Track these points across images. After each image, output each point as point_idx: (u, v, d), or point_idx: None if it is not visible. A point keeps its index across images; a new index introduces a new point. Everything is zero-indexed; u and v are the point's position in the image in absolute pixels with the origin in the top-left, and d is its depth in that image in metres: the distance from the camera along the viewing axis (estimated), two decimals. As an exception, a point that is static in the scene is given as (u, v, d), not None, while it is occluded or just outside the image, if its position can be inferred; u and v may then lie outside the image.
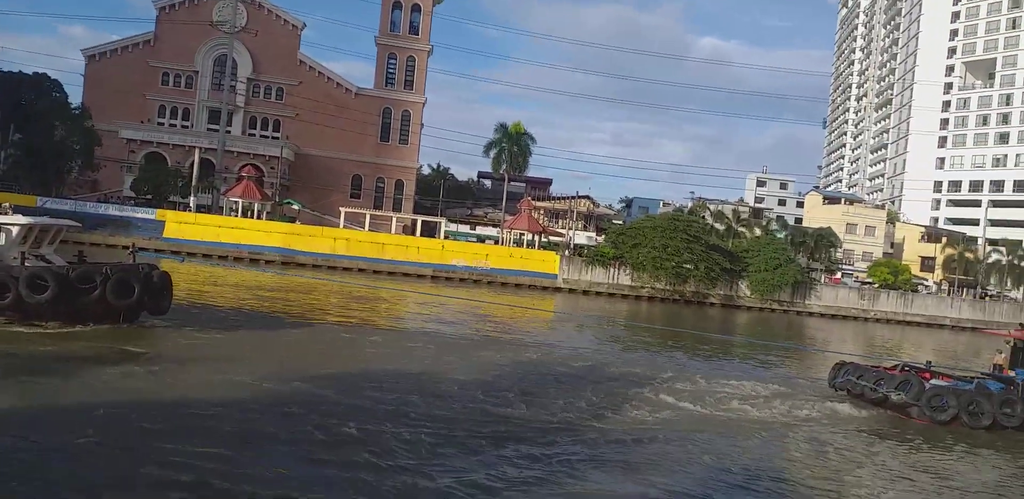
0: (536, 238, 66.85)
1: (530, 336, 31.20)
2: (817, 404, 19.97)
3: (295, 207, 69.66)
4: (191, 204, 62.47)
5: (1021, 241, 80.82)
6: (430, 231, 67.48)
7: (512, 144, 70.08)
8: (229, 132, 71.14)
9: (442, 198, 78.04)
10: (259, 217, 62.06)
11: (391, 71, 78.41)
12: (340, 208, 66.31)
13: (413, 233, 66.18)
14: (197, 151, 66.30)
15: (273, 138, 74.87)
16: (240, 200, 62.32)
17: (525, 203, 69.00)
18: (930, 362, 22.28)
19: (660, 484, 12.29)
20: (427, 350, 23.28)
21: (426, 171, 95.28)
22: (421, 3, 77.79)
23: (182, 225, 57.44)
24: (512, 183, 76.80)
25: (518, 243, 66.39)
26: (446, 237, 67.03)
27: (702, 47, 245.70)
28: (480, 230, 75.05)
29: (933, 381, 19.92)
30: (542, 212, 78.06)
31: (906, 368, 21.04)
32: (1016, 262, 74.67)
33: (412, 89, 78.45)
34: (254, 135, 75.83)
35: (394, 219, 67.65)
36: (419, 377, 18.62)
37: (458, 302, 39.93)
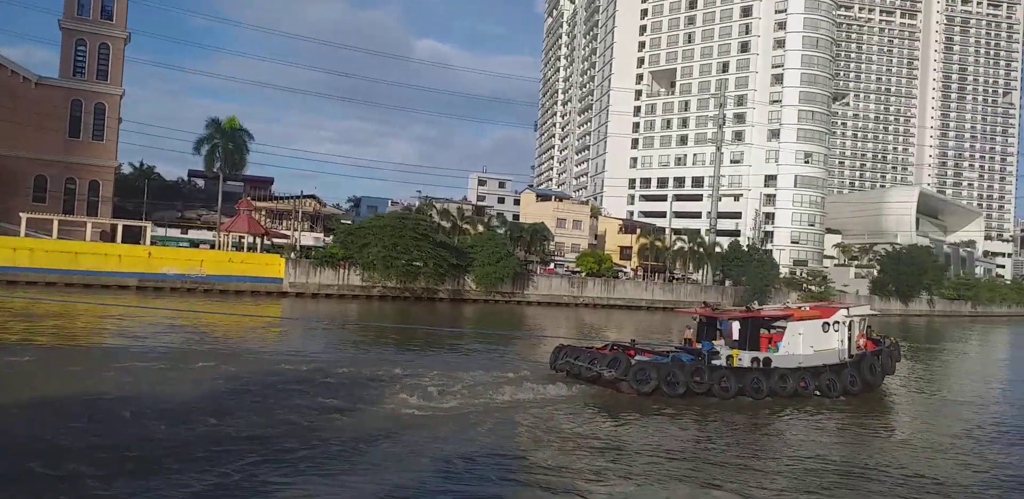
0: (258, 241, 63.81)
1: (254, 345, 29.81)
2: (541, 386, 21.35)
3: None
4: None
5: (699, 230, 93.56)
6: (134, 237, 61.33)
7: (227, 140, 65.97)
8: None
9: (147, 200, 71.14)
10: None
11: (80, 59, 69.65)
12: (21, 214, 57.73)
13: (113, 239, 59.69)
14: None
15: (-75, 132, 63.02)
16: None
17: (244, 203, 65.45)
18: (634, 340, 24.85)
19: (389, 482, 12.45)
20: (134, 369, 21.23)
21: (127, 170, 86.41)
22: (114, -14, 70.10)
23: None
24: (228, 182, 72.33)
25: (238, 247, 62.88)
26: (153, 243, 61.47)
27: (422, 48, 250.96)
28: (194, 234, 69.84)
29: (638, 357, 22.34)
30: (264, 213, 74.63)
31: (615, 347, 23.47)
32: (696, 248, 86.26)
33: (107, 79, 70.43)
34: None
35: (89, 225, 60.43)
36: (126, 400, 16.94)
37: (171, 314, 36.98)
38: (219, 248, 62.54)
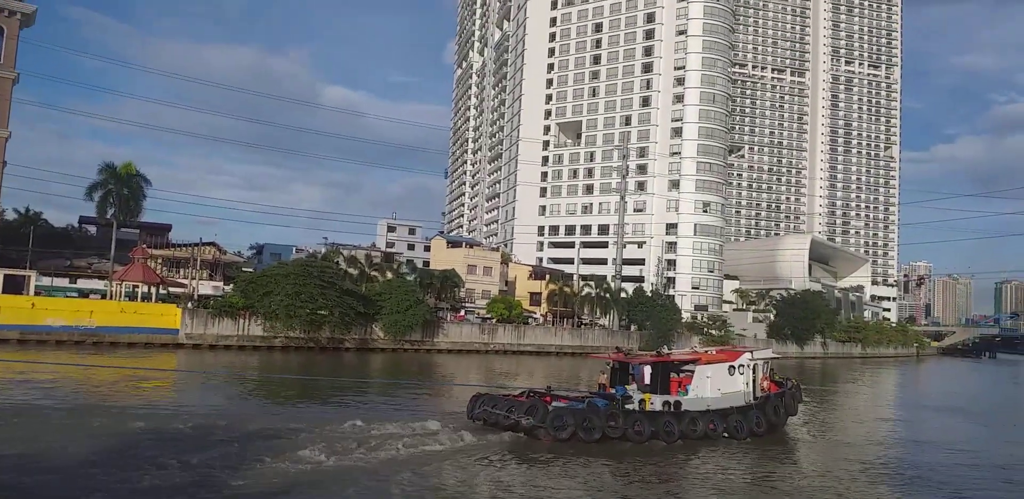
0: (154, 290, 60.78)
1: (145, 400, 28.04)
2: (458, 435, 20.99)
3: None
4: None
5: (605, 276, 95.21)
6: (16, 286, 57.29)
7: (122, 186, 63.10)
8: None
9: (32, 247, 66.81)
10: None
11: (-39, 98, 65.78)
12: None
13: (-7, 289, 55.58)
14: None
15: None
16: None
17: (139, 251, 62.42)
18: (550, 387, 25.00)
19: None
20: (16, 426, 19.56)
21: (11, 216, 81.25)
22: (4, 26, 66.99)
23: None
24: (123, 230, 68.89)
25: (132, 297, 59.63)
26: (38, 293, 57.59)
27: (331, 95, 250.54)
28: (84, 283, 65.83)
29: (554, 403, 22.28)
30: (160, 261, 71.29)
31: (531, 394, 23.40)
32: (603, 294, 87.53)
33: (-9, 120, 66.70)
34: None
35: (-34, 274, 56.13)
36: (8, 459, 15.50)
37: (54, 369, 34.50)
38: (111, 298, 59.16)
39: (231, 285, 67.08)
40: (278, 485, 14.97)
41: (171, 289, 64.09)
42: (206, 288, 68.21)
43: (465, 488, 16.09)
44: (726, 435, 23.63)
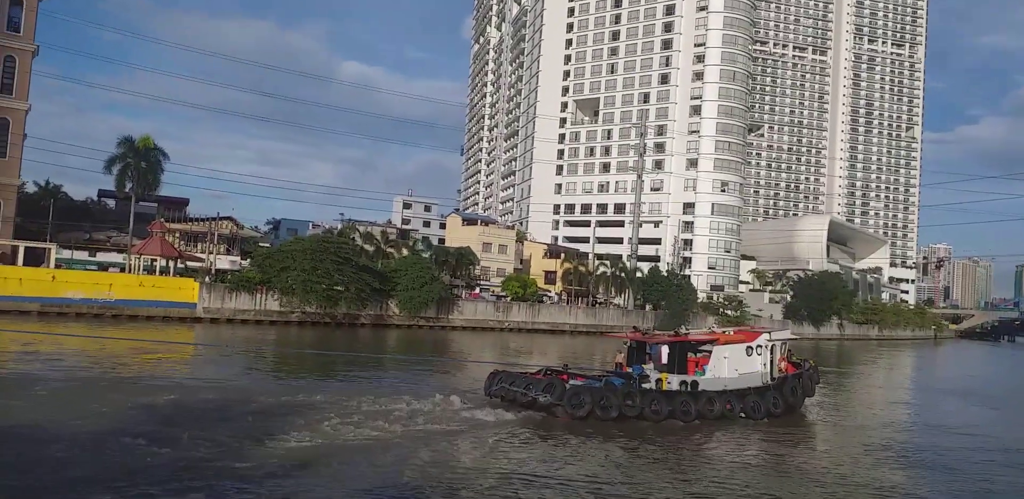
0: (171, 264, 61.19)
1: (167, 372, 28.29)
2: (476, 411, 21.12)
3: None
4: None
5: (621, 255, 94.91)
6: (37, 259, 57.91)
7: (140, 160, 63.35)
8: None
9: (52, 220, 67.36)
10: None
11: (-18, 72, 65.96)
12: (-92, 233, 53.83)
13: (14, 262, 56.16)
14: None
15: None
16: None
17: (157, 225, 62.68)
18: (567, 365, 25.00)
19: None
20: (38, 400, 19.80)
21: (31, 189, 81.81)
22: (22, -3, 66.85)
23: None
24: (141, 203, 69.27)
25: (150, 270, 60.11)
26: (58, 266, 58.17)
27: (348, 71, 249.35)
28: (103, 256, 66.36)
29: (571, 382, 22.30)
30: (178, 235, 71.67)
31: (548, 372, 23.44)
32: (618, 273, 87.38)
33: (12, 94, 66.70)
34: None
35: (-13, 246, 56.76)
36: (28, 430, 15.70)
37: (76, 341, 34.88)
38: (129, 271, 59.66)
39: (248, 260, 67.46)
40: (296, 458, 15.07)
41: (189, 263, 64.48)
42: (223, 263, 68.62)
43: (482, 464, 16.13)
44: (743, 415, 23.56)
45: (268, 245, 72.40)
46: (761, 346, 25.09)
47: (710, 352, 24.51)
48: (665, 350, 23.64)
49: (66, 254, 62.89)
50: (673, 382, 22.80)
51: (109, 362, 29.98)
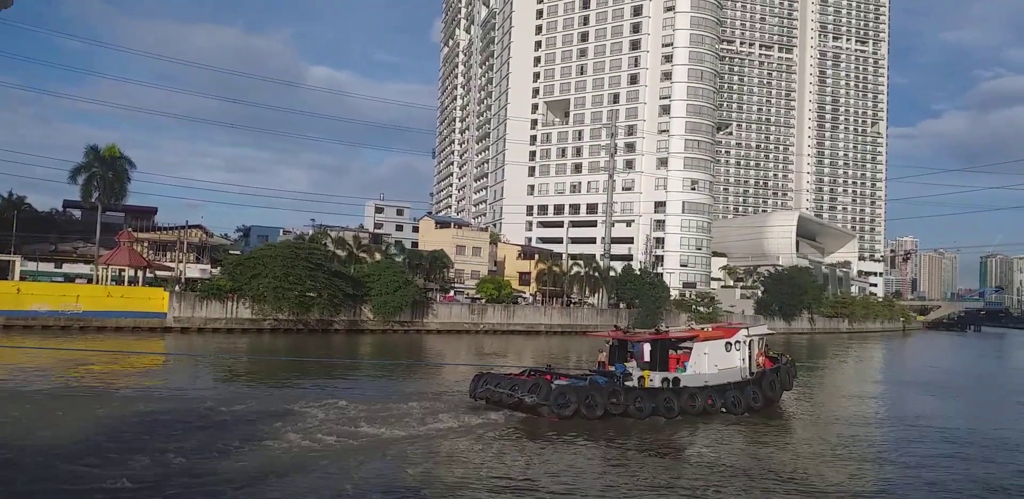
0: (140, 274, 60.12)
1: (137, 383, 27.70)
2: (462, 414, 21.07)
3: None
4: None
5: (594, 255, 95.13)
6: (1, 272, 56.60)
7: (106, 169, 62.14)
8: None
9: (16, 232, 65.85)
10: None
11: (-64, 80, 64.41)
12: None
13: (-24, 275, 54.85)
14: None
15: None
16: None
17: (125, 235, 61.53)
18: (550, 365, 25.04)
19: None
20: (6, 412, 19.28)
21: (-7, 201, 79.92)
22: (-23, 4, 65.34)
23: None
24: (108, 213, 67.94)
25: (118, 281, 58.99)
26: (23, 278, 56.88)
27: (316, 75, 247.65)
28: (69, 268, 65.06)
29: (556, 382, 22.27)
30: (146, 245, 70.46)
31: (532, 373, 23.41)
32: (592, 273, 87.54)
33: (-32, 103, 65.38)
34: None
35: (-52, 259, 55.31)
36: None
37: (43, 354, 34.09)
38: (97, 282, 58.51)
39: (218, 268, 66.48)
40: (282, 465, 14.80)
41: (158, 273, 63.46)
42: (193, 271, 67.56)
43: (470, 465, 16.01)
44: (724, 410, 23.74)
45: (238, 253, 71.43)
46: (740, 342, 25.27)
47: (690, 349, 24.64)
48: (647, 348, 23.69)
49: (31, 266, 61.57)
50: (655, 379, 22.88)
51: (68, 374, 29.28)
